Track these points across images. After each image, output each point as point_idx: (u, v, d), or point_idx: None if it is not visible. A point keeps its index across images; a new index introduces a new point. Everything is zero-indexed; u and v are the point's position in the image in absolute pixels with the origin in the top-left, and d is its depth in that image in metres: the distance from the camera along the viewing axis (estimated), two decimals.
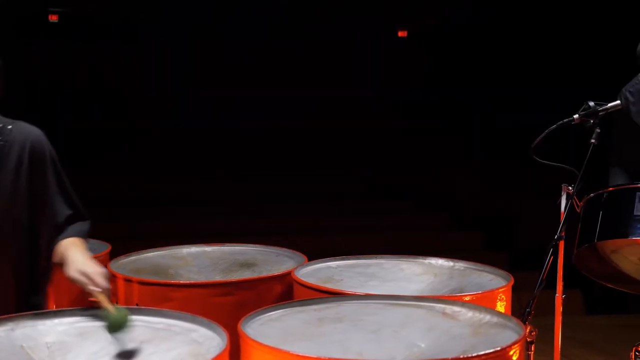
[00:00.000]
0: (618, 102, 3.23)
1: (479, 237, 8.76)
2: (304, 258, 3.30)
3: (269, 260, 3.42)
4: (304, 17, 12.14)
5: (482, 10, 12.14)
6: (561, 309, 3.23)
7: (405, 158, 10.39)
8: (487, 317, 2.43)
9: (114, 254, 3.44)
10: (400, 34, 13.65)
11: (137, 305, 2.87)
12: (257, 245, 3.60)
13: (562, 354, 5.63)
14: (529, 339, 3.01)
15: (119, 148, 10.18)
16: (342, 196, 9.50)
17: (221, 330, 2.19)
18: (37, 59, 11.40)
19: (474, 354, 2.07)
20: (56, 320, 2.31)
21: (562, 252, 3.12)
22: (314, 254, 3.40)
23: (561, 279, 3.20)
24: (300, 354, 2.10)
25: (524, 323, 2.88)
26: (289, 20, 12.07)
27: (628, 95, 3.40)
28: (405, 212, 9.35)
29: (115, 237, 3.87)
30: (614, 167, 3.52)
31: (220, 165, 9.97)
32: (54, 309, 2.41)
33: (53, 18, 11.95)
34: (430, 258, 3.28)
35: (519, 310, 2.94)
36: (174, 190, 9.26)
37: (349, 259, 3.31)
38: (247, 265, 3.41)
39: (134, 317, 2.29)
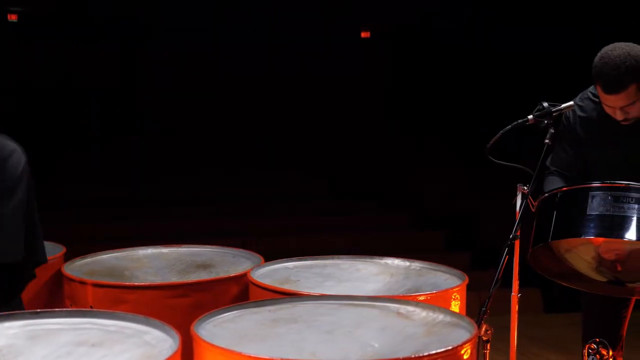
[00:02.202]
0: (571, 102, 3.27)
1: (440, 237, 8.81)
2: (261, 259, 3.30)
3: (225, 262, 3.41)
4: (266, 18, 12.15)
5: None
6: (517, 307, 3.25)
7: (367, 158, 10.41)
8: (441, 317, 2.45)
9: (72, 256, 3.41)
10: (364, 34, 13.68)
11: (91, 307, 2.84)
12: (214, 247, 3.59)
13: (520, 352, 5.67)
14: (484, 338, 3.03)
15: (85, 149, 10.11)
16: (302, 197, 9.50)
17: (174, 332, 2.19)
18: None
19: (425, 353, 2.08)
20: (7, 324, 2.29)
21: (518, 251, 3.15)
22: (274, 255, 3.40)
23: (517, 278, 3.22)
24: (252, 355, 2.10)
25: (480, 322, 2.90)
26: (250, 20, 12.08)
27: (576, 109, 3.44)
28: (367, 212, 9.37)
29: (74, 239, 3.84)
30: (551, 173, 3.54)
31: (180, 165, 9.92)
32: (4, 312, 2.38)
33: (12, 17, 11.80)
34: (386, 258, 3.30)
35: (480, 309, 2.97)
36: (134, 191, 9.20)
37: (306, 260, 3.32)
38: (204, 266, 3.40)
39: (86, 320, 2.28)
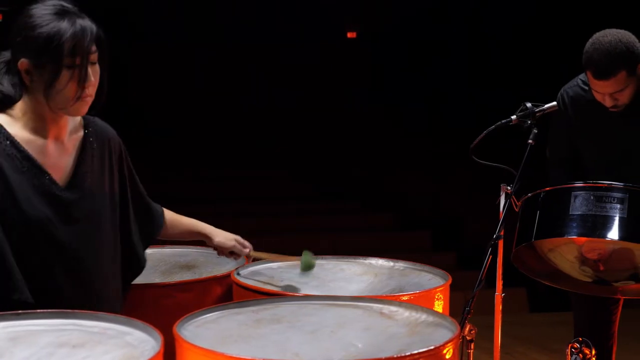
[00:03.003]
0: (554, 103, 3.29)
1: (426, 237, 8.83)
2: (245, 259, 3.29)
3: (210, 262, 3.39)
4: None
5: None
6: (501, 307, 3.27)
7: (351, 159, 10.42)
8: (424, 317, 2.45)
9: None
10: (350, 34, 13.69)
11: None
12: (198, 247, 3.57)
13: (506, 352, 5.73)
14: (468, 338, 3.05)
15: None
16: (287, 197, 9.50)
17: (156, 333, 2.18)
18: None
19: (408, 353, 2.09)
20: None
21: (502, 251, 3.16)
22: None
23: (500, 278, 3.24)
24: (235, 356, 2.10)
25: (464, 322, 2.91)
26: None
27: (565, 97, 3.45)
28: (352, 212, 9.38)
29: None
30: (552, 166, 3.57)
31: (168, 166, 9.90)
32: None
33: None
34: (370, 258, 3.30)
35: (464, 309, 2.98)
36: None
37: (289, 260, 3.31)
38: (188, 267, 3.38)
39: (67, 321, 2.27)
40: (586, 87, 3.35)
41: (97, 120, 2.63)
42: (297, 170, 10.26)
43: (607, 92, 3.17)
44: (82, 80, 2.38)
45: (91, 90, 2.43)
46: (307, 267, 2.99)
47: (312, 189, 10.00)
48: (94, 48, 2.40)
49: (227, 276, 3.04)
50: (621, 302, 3.58)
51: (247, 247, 3.01)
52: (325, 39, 12.74)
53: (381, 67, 12.85)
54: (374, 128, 11.50)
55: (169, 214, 2.94)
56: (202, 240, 3.99)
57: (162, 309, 2.91)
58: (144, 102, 11.65)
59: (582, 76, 3.40)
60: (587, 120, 3.38)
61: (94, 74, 2.41)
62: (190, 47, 12.05)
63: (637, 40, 3.18)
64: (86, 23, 2.40)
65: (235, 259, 3.07)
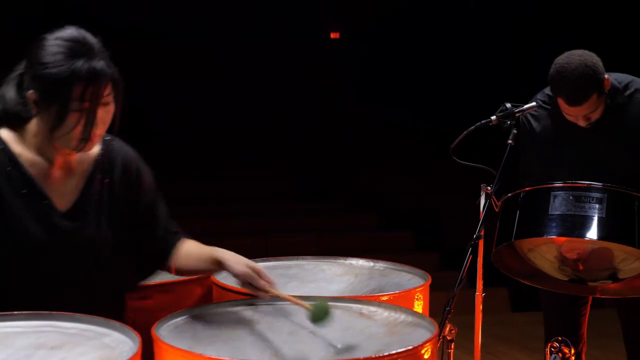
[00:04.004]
0: (534, 103, 3.30)
1: (408, 237, 8.84)
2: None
3: None
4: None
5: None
6: (481, 307, 3.28)
7: (334, 159, 10.43)
8: (403, 317, 2.46)
9: None
10: (333, 35, 13.70)
11: None
12: None
13: (488, 351, 5.75)
14: (449, 337, 3.05)
15: None
16: (270, 198, 9.49)
17: (134, 334, 2.17)
18: None
19: (386, 353, 2.09)
20: None
21: (482, 251, 3.17)
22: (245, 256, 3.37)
23: (481, 278, 3.25)
24: (213, 357, 2.09)
25: (444, 322, 2.92)
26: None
27: (531, 119, 3.46)
28: (335, 213, 9.38)
29: None
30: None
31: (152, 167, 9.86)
32: None
33: None
34: (350, 259, 3.30)
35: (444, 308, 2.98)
36: None
37: (270, 261, 3.31)
38: None
39: (45, 323, 2.26)
40: (548, 107, 3.40)
41: (116, 141, 2.49)
42: (279, 170, 10.26)
43: (580, 115, 3.22)
44: (90, 125, 2.23)
45: (101, 130, 2.28)
46: (319, 318, 2.35)
47: (295, 189, 10.00)
48: (107, 92, 2.25)
49: (207, 277, 3.03)
50: (589, 304, 3.60)
51: (265, 280, 2.45)
52: (308, 40, 12.76)
53: (364, 68, 12.86)
54: (357, 128, 11.51)
55: (186, 246, 2.60)
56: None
57: (143, 311, 2.89)
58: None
59: (539, 95, 3.44)
60: (556, 138, 3.41)
61: (106, 114, 2.28)
62: (175, 47, 12.03)
63: (598, 59, 3.22)
64: (101, 65, 2.23)
65: (253, 292, 2.48)
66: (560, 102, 3.22)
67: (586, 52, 3.24)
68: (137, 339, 2.13)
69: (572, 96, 3.16)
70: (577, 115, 3.23)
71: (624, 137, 3.33)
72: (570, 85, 3.15)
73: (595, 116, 3.25)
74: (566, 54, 3.25)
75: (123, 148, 2.51)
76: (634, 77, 3.39)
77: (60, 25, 2.31)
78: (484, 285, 3.22)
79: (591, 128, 3.30)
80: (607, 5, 11.31)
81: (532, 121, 3.45)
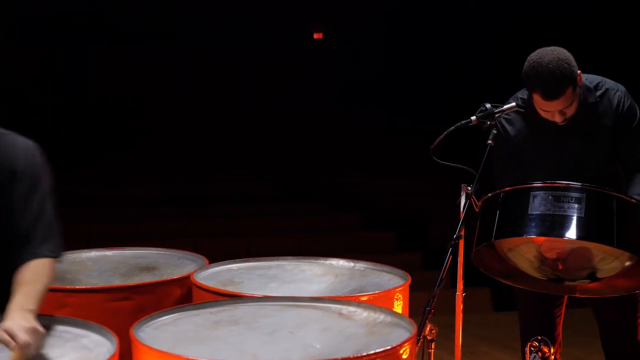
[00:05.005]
0: (513, 104, 3.31)
1: (391, 237, 8.83)
2: (205, 261, 3.28)
3: (170, 264, 3.38)
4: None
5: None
6: (462, 307, 3.28)
7: (318, 159, 10.42)
8: (382, 317, 2.47)
9: None
10: (316, 35, 13.70)
11: None
12: (159, 249, 3.56)
13: (470, 351, 5.76)
14: (429, 337, 3.05)
15: None
16: (253, 198, 9.47)
17: (112, 335, 2.17)
18: None
19: (364, 354, 2.10)
20: None
21: (462, 251, 3.17)
22: (225, 257, 3.38)
23: (461, 278, 3.25)
24: (192, 358, 2.09)
25: (424, 322, 2.92)
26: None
27: (504, 123, 3.46)
28: (318, 213, 9.37)
29: None
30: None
31: (129, 166, 9.83)
32: None
33: None
34: (331, 259, 3.31)
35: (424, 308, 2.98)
36: (80, 191, 9.08)
37: (250, 261, 3.31)
38: (148, 269, 3.37)
39: None
40: (522, 110, 3.41)
41: (10, 136, 2.41)
42: (263, 171, 10.24)
43: (556, 110, 3.23)
44: None
45: None
46: None
47: (278, 190, 9.98)
48: None
49: (187, 278, 3.03)
50: (564, 305, 3.62)
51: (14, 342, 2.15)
52: (291, 40, 12.75)
53: (347, 68, 12.87)
54: (340, 129, 11.51)
55: (23, 273, 2.35)
56: (168, 241, 3.94)
57: (123, 311, 2.89)
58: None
59: (511, 99, 3.45)
60: (531, 140, 3.42)
61: None
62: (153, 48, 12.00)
63: (570, 54, 3.25)
64: None
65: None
66: (536, 98, 3.23)
67: (557, 47, 3.26)
68: (115, 340, 2.13)
69: (548, 91, 3.17)
70: (553, 110, 3.23)
71: (596, 135, 3.35)
72: (546, 80, 3.16)
73: (570, 111, 3.26)
74: (538, 50, 3.26)
75: (14, 145, 2.40)
76: (604, 78, 3.43)
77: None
78: (466, 285, 3.22)
79: (565, 128, 3.31)
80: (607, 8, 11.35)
81: (506, 125, 3.45)
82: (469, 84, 11.62)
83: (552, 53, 3.20)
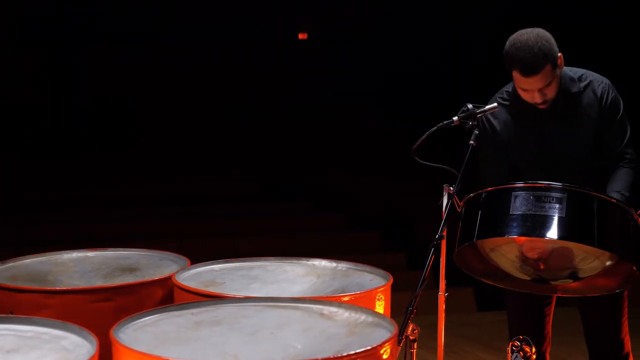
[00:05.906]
0: (494, 104, 3.33)
1: (376, 237, 8.84)
2: (187, 261, 3.27)
3: (152, 265, 3.37)
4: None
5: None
6: (444, 306, 3.28)
7: (303, 159, 10.42)
8: (363, 317, 2.47)
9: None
10: (301, 36, 13.70)
11: (10, 313, 2.79)
12: (141, 250, 3.55)
13: (453, 350, 5.78)
14: (411, 337, 3.05)
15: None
16: (238, 199, 9.45)
17: (92, 337, 2.16)
18: None
19: (345, 354, 2.10)
20: None
21: (444, 251, 3.18)
22: (207, 258, 3.37)
23: (443, 278, 3.25)
24: (172, 359, 2.09)
25: (406, 322, 2.92)
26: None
27: (490, 118, 3.49)
28: (303, 213, 9.37)
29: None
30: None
31: (117, 167, 9.80)
32: None
33: None
34: (313, 259, 3.30)
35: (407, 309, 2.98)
36: (80, 191, 9.05)
37: (232, 262, 3.30)
38: (130, 270, 3.36)
39: (2, 326, 2.24)
40: (506, 103, 3.43)
41: None
42: (248, 170, 10.23)
43: (536, 88, 3.25)
44: None
45: None
46: None
47: (262, 190, 9.96)
48: None
49: (169, 278, 3.02)
50: (553, 304, 3.63)
51: None
52: (276, 40, 12.74)
53: (333, 69, 12.86)
54: (326, 129, 11.51)
55: None
56: (151, 242, 3.93)
57: (104, 313, 2.88)
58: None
59: (498, 94, 3.49)
60: (516, 130, 3.44)
61: None
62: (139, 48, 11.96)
63: (551, 36, 3.30)
64: None
65: None
66: (516, 75, 3.25)
67: (538, 28, 3.30)
68: (95, 341, 2.12)
69: (526, 65, 3.20)
70: (532, 88, 3.25)
71: (579, 123, 3.38)
72: (525, 55, 3.19)
73: (550, 93, 3.28)
74: (519, 31, 3.31)
75: None
76: (588, 70, 3.46)
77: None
78: (450, 284, 3.23)
79: (547, 112, 3.34)
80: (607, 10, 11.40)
81: (491, 119, 3.48)
82: (469, 84, 11.63)
83: (532, 31, 3.27)
